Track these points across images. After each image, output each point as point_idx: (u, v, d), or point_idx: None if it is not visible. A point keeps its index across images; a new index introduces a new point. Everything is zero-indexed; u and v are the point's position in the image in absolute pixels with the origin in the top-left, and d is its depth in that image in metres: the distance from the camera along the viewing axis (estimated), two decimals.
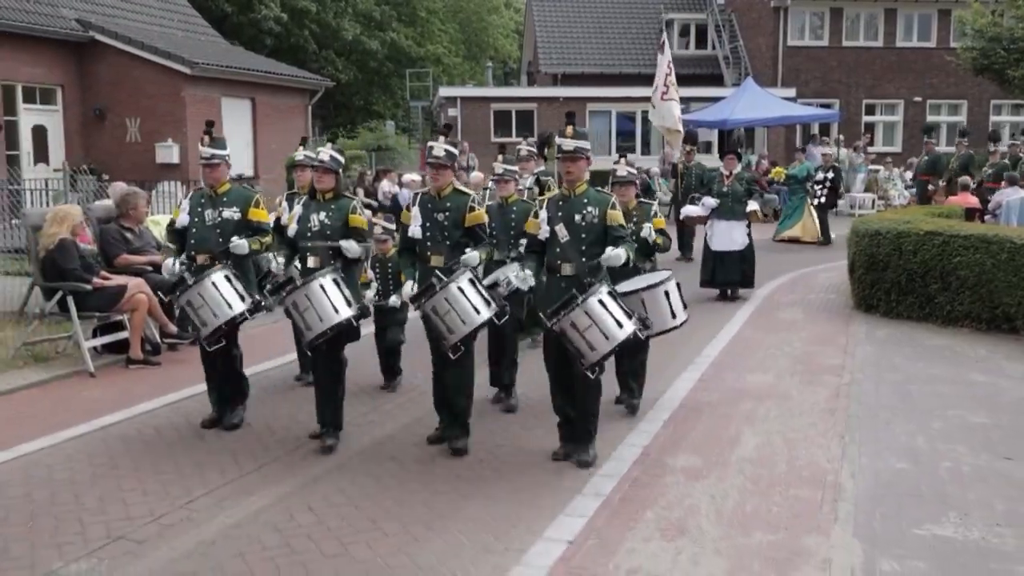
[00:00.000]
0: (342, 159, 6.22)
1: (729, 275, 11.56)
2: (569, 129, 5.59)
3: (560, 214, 5.67)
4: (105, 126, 20.04)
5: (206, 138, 6.61)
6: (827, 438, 6.21)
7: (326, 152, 6.16)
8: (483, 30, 51.35)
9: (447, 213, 5.98)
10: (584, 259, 5.61)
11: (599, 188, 5.82)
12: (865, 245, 10.30)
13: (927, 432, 6.31)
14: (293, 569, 4.37)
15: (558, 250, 5.66)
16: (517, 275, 5.86)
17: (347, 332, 5.96)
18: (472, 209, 6.02)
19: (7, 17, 18.02)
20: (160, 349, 8.50)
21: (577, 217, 5.63)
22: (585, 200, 5.67)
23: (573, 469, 5.68)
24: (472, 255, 5.90)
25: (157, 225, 10.11)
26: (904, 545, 4.54)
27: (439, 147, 5.97)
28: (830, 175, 18.46)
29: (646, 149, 30.45)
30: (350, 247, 6.02)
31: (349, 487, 5.43)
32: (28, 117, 19.10)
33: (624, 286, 6.31)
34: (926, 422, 6.53)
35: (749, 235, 11.59)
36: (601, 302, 5.37)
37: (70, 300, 7.77)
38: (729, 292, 11.66)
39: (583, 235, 5.63)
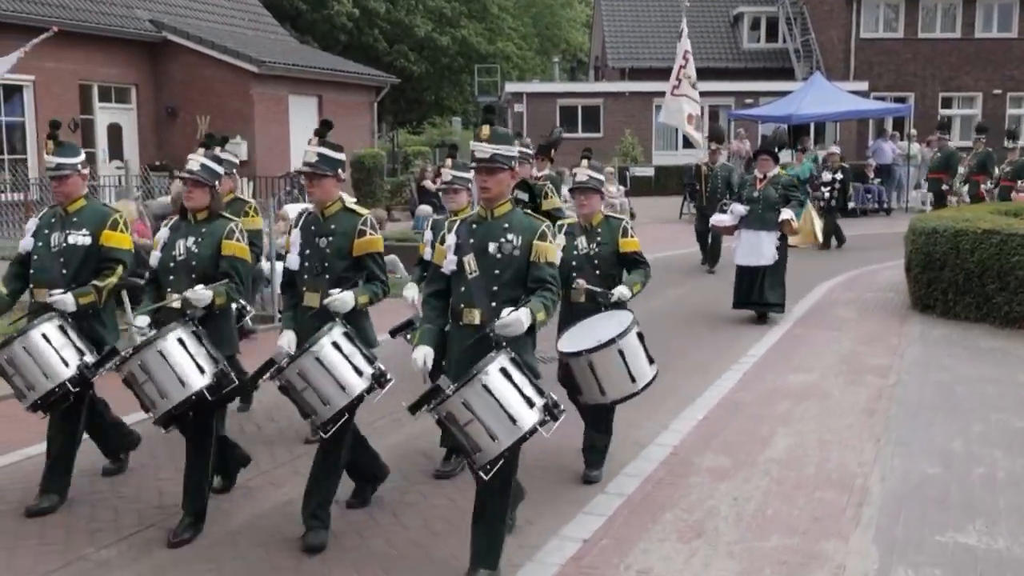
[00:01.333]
0: (220, 168, 5.03)
1: (758, 294, 10.01)
2: (484, 130, 4.19)
3: (472, 241, 4.23)
4: (177, 124, 20.64)
5: (50, 143, 5.21)
6: (862, 440, 6.10)
7: (196, 160, 4.94)
8: (555, 24, 51.34)
9: (330, 238, 4.69)
10: (494, 304, 4.14)
11: (530, 211, 4.48)
12: (922, 243, 10.04)
13: (966, 435, 6.15)
14: (311, 561, 4.48)
15: (463, 289, 4.23)
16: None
17: (209, 401, 4.67)
18: (363, 233, 4.71)
19: (84, 19, 18.69)
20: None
21: (492, 247, 4.18)
22: (506, 225, 4.20)
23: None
24: (342, 298, 4.56)
25: None
26: (923, 552, 4.45)
27: (312, 151, 4.70)
28: (838, 176, 17.15)
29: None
30: (197, 297, 4.71)
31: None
32: (104, 115, 19.79)
33: (569, 340, 5.17)
34: (967, 425, 6.37)
35: (780, 249, 9.85)
36: (504, 370, 3.95)
37: (124, 295, 8.05)
38: (764, 313, 10.12)
39: (496, 271, 4.19)
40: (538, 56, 49.02)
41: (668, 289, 12.27)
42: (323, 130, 4.77)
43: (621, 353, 5.03)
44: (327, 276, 4.67)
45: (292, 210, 11.60)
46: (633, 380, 5.12)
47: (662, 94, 30.47)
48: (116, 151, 19.93)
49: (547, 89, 32.44)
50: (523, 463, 5.73)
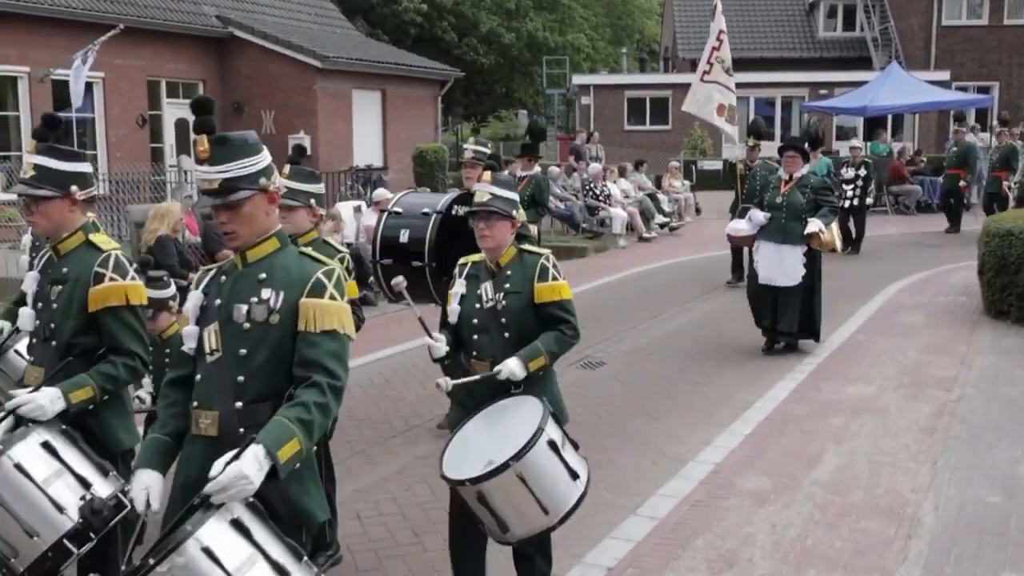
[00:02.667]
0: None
1: (779, 320, 8.40)
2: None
3: (218, 302, 2.89)
4: (243, 119, 20.82)
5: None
6: (917, 462, 5.73)
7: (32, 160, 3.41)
8: (628, 14, 50.74)
9: (61, 287, 3.40)
10: (238, 404, 2.82)
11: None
12: (996, 246, 9.49)
13: None
14: None
15: (199, 379, 2.92)
16: None
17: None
18: (99, 279, 3.35)
19: (152, 16, 18.96)
20: None
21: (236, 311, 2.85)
22: (262, 275, 2.83)
23: (634, 486, 5.46)
24: (44, 397, 3.18)
25: None
26: None
27: (30, 161, 3.39)
28: (861, 172, 15.23)
29: (784, 137, 29.32)
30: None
31: (402, 495, 5.40)
32: (171, 111, 20.07)
33: (459, 449, 3.70)
34: None
35: (809, 265, 8.28)
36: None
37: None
38: (780, 343, 8.58)
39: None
40: (610, 46, 48.49)
41: (725, 292, 11.91)
42: (44, 131, 3.64)
43: (522, 479, 3.46)
44: (52, 344, 3.42)
45: (344, 208, 11.56)
46: (545, 512, 3.58)
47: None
48: (183, 147, 20.21)
49: (615, 81, 32.04)
50: None
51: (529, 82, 44.40)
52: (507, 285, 3.91)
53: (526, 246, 4.05)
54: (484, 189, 3.87)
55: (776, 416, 6.76)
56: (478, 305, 3.94)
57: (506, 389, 3.80)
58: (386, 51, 25.22)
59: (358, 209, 12.35)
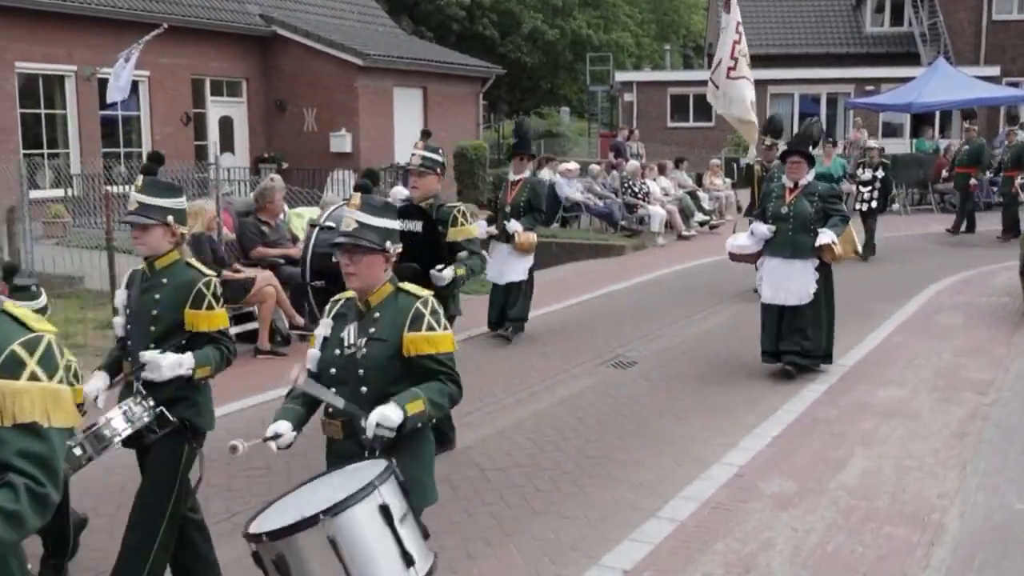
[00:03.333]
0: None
1: (788, 342, 7.63)
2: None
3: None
4: (285, 116, 21.07)
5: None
6: (946, 467, 5.64)
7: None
8: (674, 9, 50.40)
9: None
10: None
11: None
12: None
13: None
14: None
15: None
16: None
17: None
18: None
19: (197, 15, 19.24)
20: (290, 340, 8.83)
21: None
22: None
23: (657, 487, 5.44)
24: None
25: (300, 218, 10.51)
26: None
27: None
28: (879, 173, 14.22)
29: (830, 134, 28.87)
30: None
31: None
32: (215, 109, 20.37)
33: (277, 510, 2.95)
34: None
35: (821, 282, 7.52)
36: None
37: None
38: (790, 368, 7.64)
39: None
40: (655, 42, 48.20)
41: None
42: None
43: (334, 543, 2.68)
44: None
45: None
46: None
47: (776, 81, 29.92)
48: (227, 144, 20.49)
49: (658, 78, 31.82)
50: (575, 480, 5.55)
51: (572, 79, 44.29)
52: (372, 330, 3.29)
53: (406, 285, 3.39)
54: (351, 216, 3.28)
55: (805, 419, 6.69)
56: (338, 351, 3.32)
57: (362, 452, 3.15)
58: (428, 49, 25.33)
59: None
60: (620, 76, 32.37)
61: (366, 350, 3.27)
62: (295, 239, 9.50)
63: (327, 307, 3.52)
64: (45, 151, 17.30)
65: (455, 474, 5.69)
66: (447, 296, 5.68)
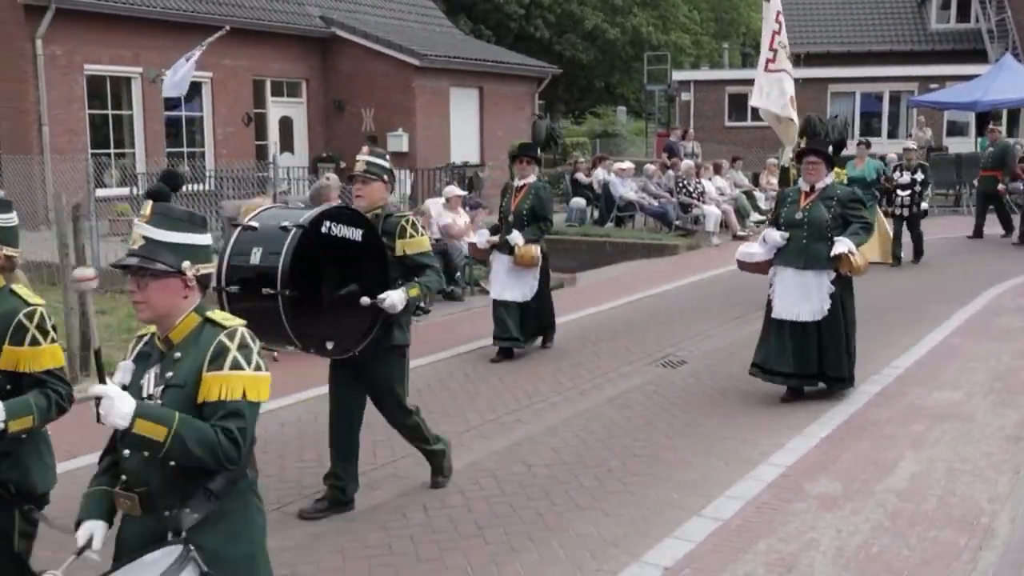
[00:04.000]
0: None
1: (799, 362, 6.86)
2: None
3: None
4: (343, 117, 21.37)
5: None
6: (999, 471, 5.54)
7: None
8: (733, 7, 49.92)
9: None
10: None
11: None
12: None
13: None
14: (383, 571, 4.49)
15: None
16: None
17: None
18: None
19: (258, 17, 19.61)
20: None
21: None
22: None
23: (701, 487, 5.44)
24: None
25: None
26: None
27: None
28: (918, 176, 13.33)
29: (893, 133, 28.37)
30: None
31: (470, 488, 5.50)
32: (276, 109, 20.74)
33: None
34: None
35: (837, 296, 6.78)
36: None
37: None
38: (800, 390, 7.06)
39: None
40: (714, 41, 47.75)
41: None
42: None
43: None
44: None
45: (433, 205, 11.76)
46: None
47: (838, 80, 29.46)
48: (287, 144, 20.87)
49: (716, 76, 31.51)
50: (620, 478, 5.57)
51: (629, 78, 44.10)
52: (170, 374, 2.70)
53: (216, 314, 2.76)
54: (138, 232, 2.71)
55: (855, 420, 6.62)
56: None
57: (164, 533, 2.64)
58: (484, 49, 25.47)
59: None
60: (678, 75, 32.14)
61: (162, 401, 2.66)
62: None
63: (129, 346, 2.94)
64: (112, 151, 17.80)
65: (501, 470, 5.76)
66: (392, 324, 4.98)
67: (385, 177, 5.17)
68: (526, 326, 8.44)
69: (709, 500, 5.25)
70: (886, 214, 13.57)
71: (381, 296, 4.75)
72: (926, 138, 22.49)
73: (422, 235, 5.21)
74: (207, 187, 16.75)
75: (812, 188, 6.89)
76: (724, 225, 16.88)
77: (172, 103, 17.97)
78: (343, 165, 20.16)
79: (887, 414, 6.74)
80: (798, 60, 32.41)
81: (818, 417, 6.68)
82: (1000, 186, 15.85)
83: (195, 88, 18.10)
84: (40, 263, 10.59)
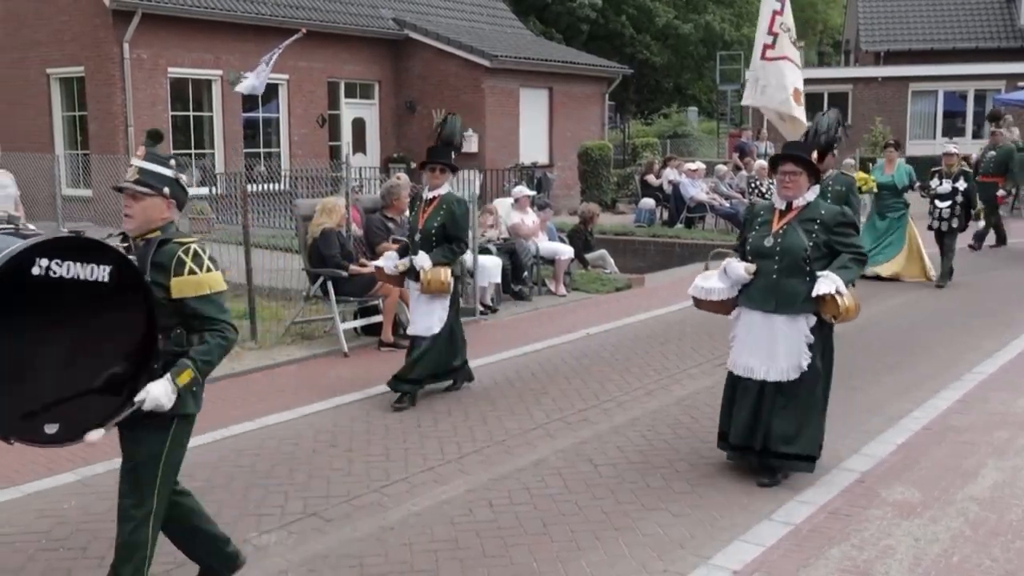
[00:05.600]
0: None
1: (769, 433, 5.35)
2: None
3: None
4: (415, 118, 21.56)
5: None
6: None
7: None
8: (811, 5, 49.07)
9: None
10: None
11: None
12: None
13: None
14: (450, 564, 4.49)
15: None
16: None
17: None
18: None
19: (333, 20, 19.90)
20: None
21: None
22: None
23: (771, 491, 5.32)
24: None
25: None
26: None
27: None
28: (960, 185, 11.85)
29: (978, 133, 27.49)
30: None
31: (536, 485, 5.48)
32: (349, 111, 21.02)
33: None
34: None
35: (817, 350, 5.30)
36: None
37: (329, 285, 8.49)
38: (767, 481, 5.37)
39: None
40: None
41: (892, 293, 11.35)
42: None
43: None
44: None
45: (501, 205, 11.77)
46: None
47: (919, 78, 28.66)
48: (359, 145, 21.13)
49: None
50: (687, 480, 5.49)
51: (700, 78, 43.63)
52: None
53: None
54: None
55: (934, 427, 6.42)
56: None
57: None
58: (554, 49, 25.43)
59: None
60: (749, 74, 31.64)
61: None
62: None
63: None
64: (192, 151, 18.24)
65: (567, 468, 5.72)
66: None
67: (166, 190, 3.72)
68: (437, 363, 7.10)
69: (779, 504, 5.13)
70: (930, 228, 12.11)
71: (138, 397, 3.49)
72: (1013, 137, 21.73)
73: (210, 271, 3.65)
74: (282, 187, 17.08)
75: (789, 206, 5.30)
76: None
77: (250, 105, 18.37)
78: (414, 165, 20.35)
79: (968, 420, 6.52)
80: (877, 59, 31.84)
81: (895, 423, 6.50)
82: (1000, 192, 14.72)
83: (272, 90, 18.49)
84: None
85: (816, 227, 5.23)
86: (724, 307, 5.54)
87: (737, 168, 18.11)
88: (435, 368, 7.07)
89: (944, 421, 6.53)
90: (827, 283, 5.05)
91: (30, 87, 17.95)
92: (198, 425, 4.00)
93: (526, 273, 11.31)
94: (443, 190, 6.97)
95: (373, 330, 9.00)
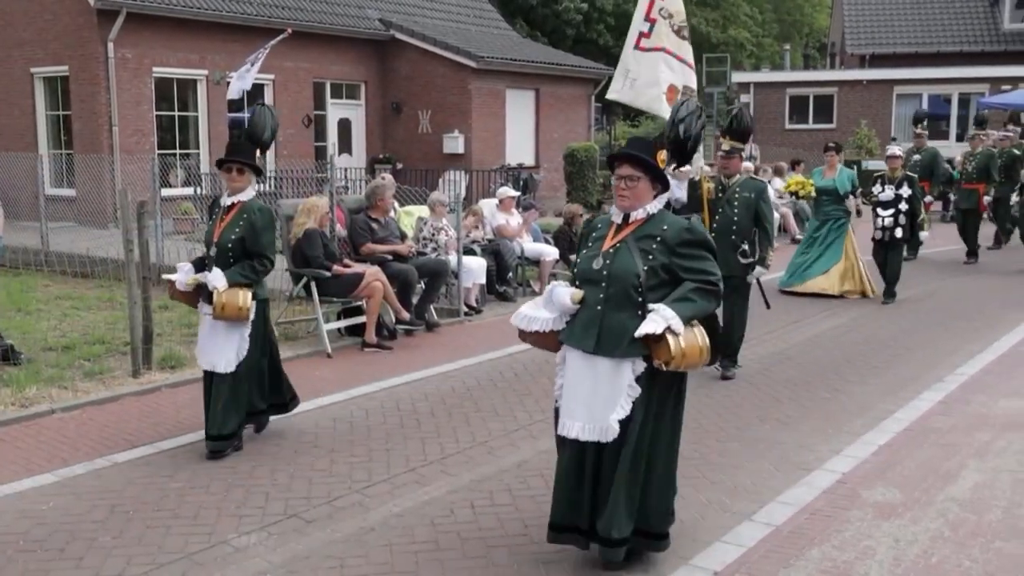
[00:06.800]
0: None
1: (571, 509, 4.34)
2: None
3: None
4: (400, 119, 21.54)
5: None
6: None
7: None
8: (797, 8, 49.29)
9: None
10: None
11: None
12: None
13: None
14: (431, 566, 4.47)
15: None
16: None
17: None
18: None
19: (319, 20, 19.86)
20: (395, 334, 9.02)
21: None
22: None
23: (753, 492, 5.33)
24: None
25: (409, 216, 10.73)
26: None
27: None
28: (904, 192, 10.72)
29: (962, 136, 27.66)
30: None
31: (518, 487, 5.47)
32: (335, 111, 20.98)
33: None
34: None
35: (642, 402, 4.16)
36: None
37: (313, 285, 8.46)
38: (586, 546, 4.39)
39: None
40: (776, 42, 47.16)
41: (869, 301, 11.40)
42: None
43: None
44: None
45: (486, 206, 11.77)
46: None
47: (903, 81, 28.83)
48: (345, 146, 21.09)
49: (776, 78, 31.08)
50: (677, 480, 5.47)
51: None
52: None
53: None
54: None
55: (916, 428, 6.44)
56: None
57: None
58: (541, 51, 25.46)
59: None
60: (737, 77, 31.81)
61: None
62: (404, 236, 9.71)
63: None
64: (177, 151, 18.16)
65: (549, 470, 5.61)
66: None
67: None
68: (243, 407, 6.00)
69: (761, 505, 5.14)
70: (873, 239, 11.16)
71: None
72: (1017, 138, 21.70)
73: None
74: (267, 187, 16.99)
75: (626, 219, 4.20)
76: (783, 228, 16.60)
77: (236, 105, 18.30)
78: (399, 166, 20.35)
79: (949, 422, 6.55)
80: (862, 62, 32.00)
81: (876, 424, 6.52)
82: (986, 199, 14.18)
83: (258, 90, 18.40)
84: (107, 259, 10.86)
85: (655, 246, 4.10)
86: (549, 341, 4.39)
87: None
88: (242, 414, 5.98)
89: (925, 422, 6.56)
90: (655, 320, 3.93)
91: (14, 86, 17.85)
92: (178, 427, 3.97)
93: (511, 274, 11.31)
94: (245, 195, 5.83)
95: (357, 331, 8.97)
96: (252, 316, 5.85)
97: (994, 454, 5.88)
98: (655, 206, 4.22)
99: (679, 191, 16.82)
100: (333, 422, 6.68)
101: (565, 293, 4.23)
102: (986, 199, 13.58)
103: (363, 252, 9.15)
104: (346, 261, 8.77)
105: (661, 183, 4.21)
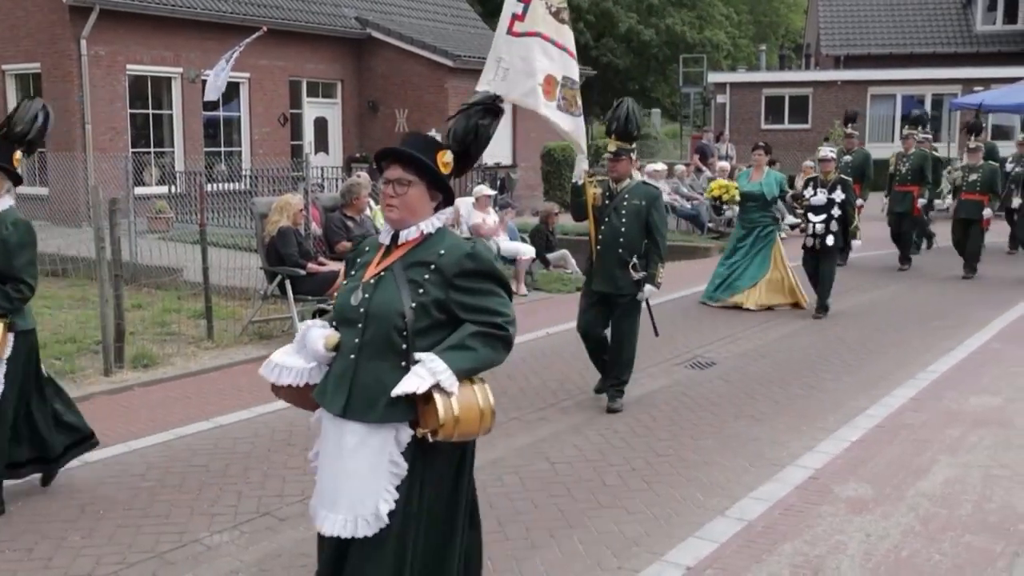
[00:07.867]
0: None
1: None
2: None
3: None
4: (377, 117, 21.47)
5: None
6: None
7: None
8: (773, 9, 49.60)
9: None
10: None
11: None
12: None
13: None
14: None
15: None
16: None
17: None
18: None
19: (295, 18, 19.77)
20: None
21: None
22: None
23: (726, 488, 5.36)
24: None
25: None
26: None
27: None
28: (837, 196, 10.01)
29: (936, 137, 27.90)
30: None
31: (492, 484, 5.45)
32: (311, 110, 20.89)
33: None
34: None
35: (417, 479, 3.12)
36: None
37: (287, 283, 8.42)
38: None
39: None
40: (752, 43, 47.45)
41: (851, 295, 11.48)
42: None
43: None
44: None
45: (462, 204, 11.75)
46: None
47: (878, 82, 29.07)
48: (322, 144, 21.00)
49: (752, 79, 31.25)
50: (643, 477, 5.50)
51: (664, 81, 43.89)
52: None
53: None
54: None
55: (888, 424, 6.49)
56: None
57: None
58: None
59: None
60: (713, 77, 31.96)
61: None
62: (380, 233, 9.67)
63: None
64: (152, 150, 18.02)
65: (524, 466, 5.71)
66: None
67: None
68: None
69: (734, 501, 5.16)
70: (803, 246, 10.46)
71: None
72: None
73: None
74: (243, 186, 16.91)
75: (395, 240, 3.18)
76: None
77: (211, 103, 18.18)
78: (375, 165, 20.28)
79: (921, 418, 6.61)
80: (837, 62, 32.25)
81: (849, 420, 6.57)
82: (922, 201, 13.64)
83: (233, 88, 18.30)
84: (78, 258, 10.75)
85: (427, 277, 3.09)
86: (303, 398, 3.33)
87: (699, 170, 18.22)
88: None
89: (898, 419, 6.61)
90: (419, 375, 2.96)
91: None
92: (152, 425, 3.94)
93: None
94: (3, 204, 4.85)
95: None
96: (7, 353, 4.78)
97: (965, 450, 5.94)
98: (432, 223, 3.18)
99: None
100: (307, 419, 6.63)
101: (319, 337, 3.18)
102: (986, 212, 12.66)
103: (338, 250, 9.11)
104: (321, 259, 8.73)
105: (443, 193, 3.23)
